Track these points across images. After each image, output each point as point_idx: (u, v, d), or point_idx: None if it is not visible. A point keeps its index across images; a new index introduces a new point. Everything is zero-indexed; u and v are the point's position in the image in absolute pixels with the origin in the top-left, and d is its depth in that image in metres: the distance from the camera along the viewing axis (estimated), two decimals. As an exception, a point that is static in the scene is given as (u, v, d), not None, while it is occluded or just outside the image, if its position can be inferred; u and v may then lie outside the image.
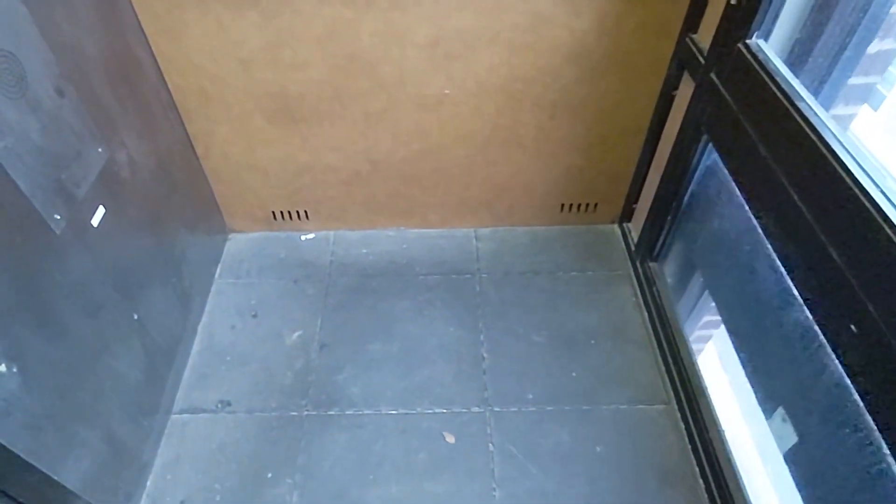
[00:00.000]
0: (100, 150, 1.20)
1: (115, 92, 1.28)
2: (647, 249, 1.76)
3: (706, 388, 1.45)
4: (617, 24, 1.43)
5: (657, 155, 1.70)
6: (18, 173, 0.96)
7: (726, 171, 1.30)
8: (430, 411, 1.54)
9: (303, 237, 2.00)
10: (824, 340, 0.97)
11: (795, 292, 1.05)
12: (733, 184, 1.27)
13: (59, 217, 1.06)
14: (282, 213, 1.94)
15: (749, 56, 1.15)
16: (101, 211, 1.20)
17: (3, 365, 0.93)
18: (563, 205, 1.95)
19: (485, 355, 1.66)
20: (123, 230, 1.31)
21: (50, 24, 1.06)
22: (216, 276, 1.88)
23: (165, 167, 1.53)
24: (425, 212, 1.95)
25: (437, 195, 1.89)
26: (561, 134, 1.70)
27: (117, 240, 1.28)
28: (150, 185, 1.44)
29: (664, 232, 1.66)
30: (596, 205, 1.96)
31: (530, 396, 1.56)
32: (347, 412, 1.54)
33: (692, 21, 1.39)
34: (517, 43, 1.46)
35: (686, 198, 1.53)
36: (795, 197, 1.00)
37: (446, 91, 1.57)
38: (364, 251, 1.97)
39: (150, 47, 1.44)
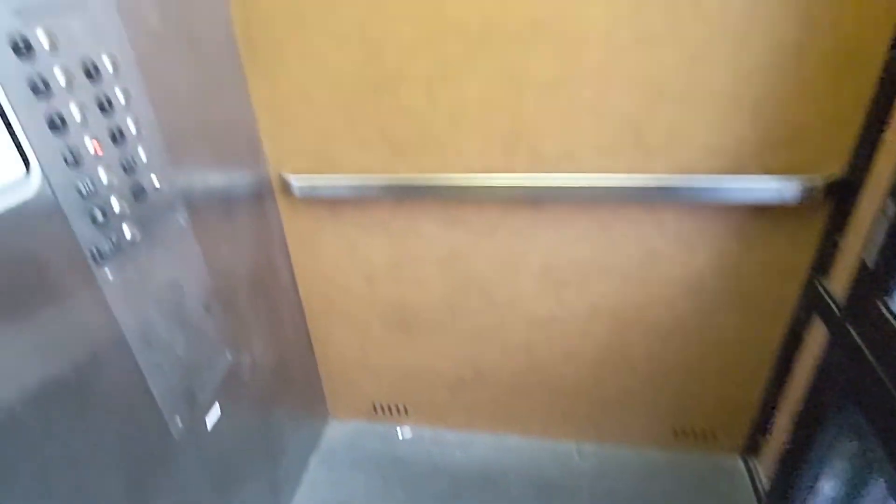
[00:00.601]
0: (228, 355, 1.30)
1: (253, 302, 1.42)
2: (782, 500, 1.53)
3: None
4: (735, 264, 1.41)
5: (787, 391, 1.54)
6: (156, 384, 1.05)
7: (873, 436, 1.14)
8: None
9: (400, 435, 1.98)
10: None
11: None
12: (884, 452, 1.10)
13: (180, 423, 1.13)
14: (383, 406, 1.96)
15: (890, 316, 1.07)
16: (216, 413, 1.27)
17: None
18: (675, 430, 1.79)
19: None
20: (234, 429, 1.36)
21: (214, 254, 1.22)
22: (310, 465, 1.87)
23: (283, 365, 1.62)
24: (527, 421, 1.88)
25: (541, 407, 1.83)
26: (674, 359, 1.62)
27: (226, 439, 1.33)
28: (267, 382, 1.52)
29: (802, 482, 1.45)
30: (714, 433, 1.78)
31: None
32: None
33: (821, 265, 1.34)
34: (630, 275, 1.47)
35: (827, 449, 1.35)
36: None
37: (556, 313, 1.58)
38: (458, 454, 1.89)
39: (289, 261, 1.61)
